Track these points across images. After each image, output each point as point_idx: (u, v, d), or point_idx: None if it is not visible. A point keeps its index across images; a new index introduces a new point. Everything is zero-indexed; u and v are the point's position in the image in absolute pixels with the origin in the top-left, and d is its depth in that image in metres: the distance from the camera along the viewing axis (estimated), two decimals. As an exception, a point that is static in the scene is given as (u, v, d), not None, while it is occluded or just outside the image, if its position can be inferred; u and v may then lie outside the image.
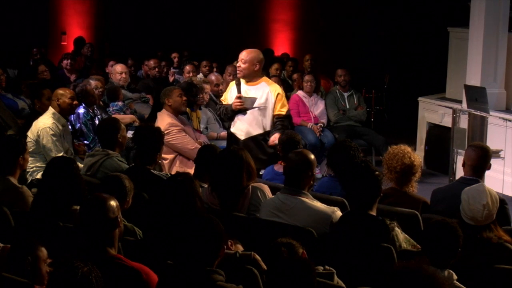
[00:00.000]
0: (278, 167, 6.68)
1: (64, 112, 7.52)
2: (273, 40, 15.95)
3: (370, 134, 10.52)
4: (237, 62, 7.66)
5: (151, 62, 11.47)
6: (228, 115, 7.67)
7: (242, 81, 7.59)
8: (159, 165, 7.43)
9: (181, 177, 4.96)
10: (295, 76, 11.88)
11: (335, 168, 6.11)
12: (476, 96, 8.98)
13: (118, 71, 10.29)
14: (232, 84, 7.79)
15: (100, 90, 9.00)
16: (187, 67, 11.35)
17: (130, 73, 11.58)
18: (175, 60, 13.06)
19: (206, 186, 5.58)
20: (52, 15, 14.70)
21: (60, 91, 7.58)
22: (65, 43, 14.74)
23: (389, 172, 5.86)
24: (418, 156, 6.03)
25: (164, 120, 7.89)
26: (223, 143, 8.40)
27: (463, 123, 9.21)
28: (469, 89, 9.30)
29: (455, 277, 4.17)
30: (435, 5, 14.78)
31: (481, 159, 5.81)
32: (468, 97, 9.17)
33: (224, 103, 7.78)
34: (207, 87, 9.39)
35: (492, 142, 8.62)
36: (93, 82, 8.85)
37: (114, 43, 14.21)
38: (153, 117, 8.33)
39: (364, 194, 4.91)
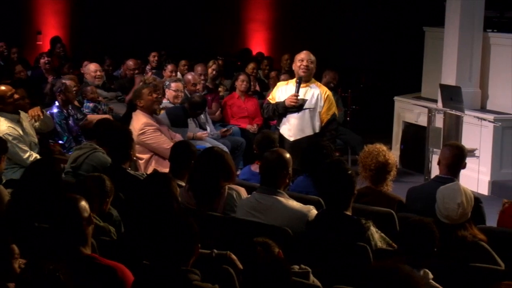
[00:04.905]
0: (255, 167, 6.64)
1: (13, 109, 7.10)
2: (251, 40, 15.93)
3: (346, 134, 10.53)
4: (301, 61, 7.68)
5: (131, 63, 11.39)
6: (279, 111, 7.76)
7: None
8: (135, 165, 7.40)
9: (158, 177, 4.96)
10: (271, 74, 11.88)
11: (309, 167, 6.11)
12: (452, 95, 9.04)
13: (92, 70, 10.23)
14: (282, 84, 7.99)
15: (74, 89, 8.92)
16: (169, 66, 11.18)
17: (107, 72, 11.52)
18: (155, 59, 12.88)
19: (182, 183, 5.57)
20: (27, 14, 14.56)
21: None
22: (41, 42, 14.61)
23: (364, 170, 5.88)
24: (393, 154, 6.05)
25: (139, 120, 7.86)
26: (199, 143, 8.40)
27: (439, 122, 9.25)
28: (444, 88, 9.36)
29: (430, 276, 4.17)
30: (411, 5, 14.84)
31: (456, 158, 5.82)
32: (444, 96, 9.23)
33: (272, 102, 7.86)
34: (179, 85, 9.37)
35: (467, 141, 8.66)
36: (67, 82, 8.76)
37: (89, 42, 14.04)
38: (128, 116, 8.29)
39: (337, 193, 4.91)
